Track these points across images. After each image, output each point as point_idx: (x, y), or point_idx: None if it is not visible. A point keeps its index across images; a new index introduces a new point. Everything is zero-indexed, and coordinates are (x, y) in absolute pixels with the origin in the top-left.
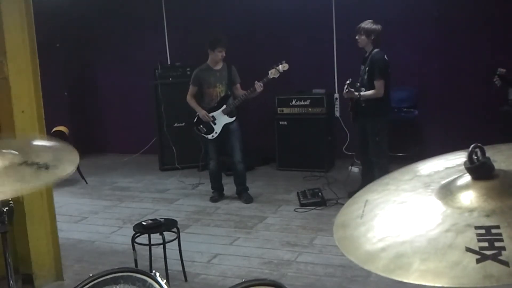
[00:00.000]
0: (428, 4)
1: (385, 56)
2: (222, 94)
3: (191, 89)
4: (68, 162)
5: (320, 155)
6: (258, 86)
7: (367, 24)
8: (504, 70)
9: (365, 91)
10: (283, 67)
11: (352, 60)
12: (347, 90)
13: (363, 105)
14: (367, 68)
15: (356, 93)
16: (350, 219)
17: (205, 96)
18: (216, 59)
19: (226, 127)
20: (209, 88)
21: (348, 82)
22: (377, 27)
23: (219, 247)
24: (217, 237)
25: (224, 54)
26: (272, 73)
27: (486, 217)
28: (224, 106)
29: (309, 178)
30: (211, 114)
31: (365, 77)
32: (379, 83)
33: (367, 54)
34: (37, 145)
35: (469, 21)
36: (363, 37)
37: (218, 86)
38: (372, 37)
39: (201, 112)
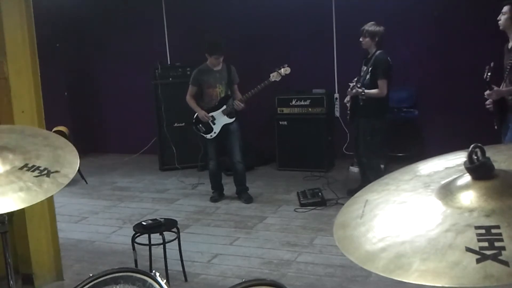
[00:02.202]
0: (428, 4)
1: (388, 58)
2: (222, 95)
3: (191, 89)
4: (69, 164)
5: (320, 155)
6: (238, 104)
7: (371, 26)
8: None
9: None
10: (285, 70)
11: (352, 60)
12: (352, 87)
13: (361, 103)
14: (370, 69)
15: (361, 90)
16: (350, 219)
17: (205, 96)
18: (214, 62)
19: (225, 127)
20: (209, 88)
21: (355, 80)
22: (380, 28)
23: (219, 247)
24: (217, 237)
25: (221, 60)
26: (274, 76)
27: (486, 217)
28: (224, 107)
29: (309, 178)
30: (210, 114)
31: (367, 77)
32: (382, 83)
33: (370, 55)
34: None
35: (469, 21)
36: (367, 39)
37: (218, 86)
38: (376, 39)
39: (200, 113)
